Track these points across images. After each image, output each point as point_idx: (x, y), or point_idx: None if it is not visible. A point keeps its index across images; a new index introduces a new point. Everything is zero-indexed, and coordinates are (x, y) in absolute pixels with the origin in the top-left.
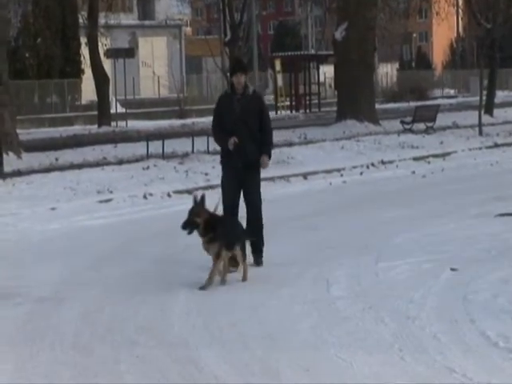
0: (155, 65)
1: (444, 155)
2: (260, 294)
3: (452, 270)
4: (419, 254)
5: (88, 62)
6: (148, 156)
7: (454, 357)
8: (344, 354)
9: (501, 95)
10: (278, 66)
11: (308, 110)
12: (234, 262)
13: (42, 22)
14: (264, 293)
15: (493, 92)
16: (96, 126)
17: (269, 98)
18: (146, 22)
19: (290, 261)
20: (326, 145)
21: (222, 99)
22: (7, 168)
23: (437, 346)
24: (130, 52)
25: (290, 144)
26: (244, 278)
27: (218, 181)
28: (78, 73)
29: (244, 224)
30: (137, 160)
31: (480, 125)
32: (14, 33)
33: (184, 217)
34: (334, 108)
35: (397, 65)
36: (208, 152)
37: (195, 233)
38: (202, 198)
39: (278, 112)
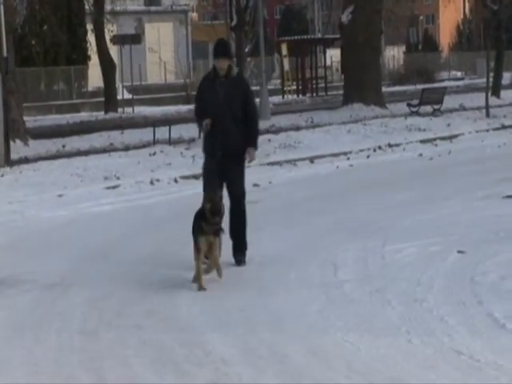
0: (162, 51)
1: (451, 137)
2: (267, 278)
3: (459, 252)
4: (426, 236)
5: (94, 48)
6: (155, 142)
7: (461, 339)
8: (351, 337)
9: (508, 77)
10: (284, 50)
11: (315, 94)
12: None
13: (48, 9)
14: (271, 277)
15: (500, 74)
16: (103, 112)
17: (275, 83)
18: (152, 8)
19: (297, 244)
20: (333, 128)
21: (204, 82)
22: (14, 155)
23: (444, 328)
24: (136, 38)
25: (297, 128)
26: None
27: None
28: (85, 59)
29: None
30: (144, 146)
31: (487, 107)
32: (20, 20)
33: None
34: (341, 92)
35: (403, 47)
36: None
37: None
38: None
39: (285, 96)
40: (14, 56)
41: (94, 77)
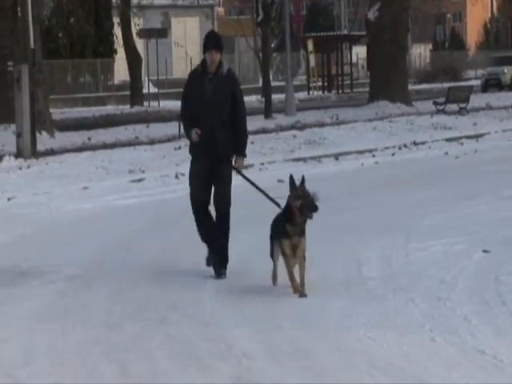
0: (187, 45)
1: (477, 136)
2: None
3: (484, 251)
4: (451, 235)
5: (121, 42)
6: (180, 136)
7: (484, 338)
8: (374, 334)
9: None
10: (310, 46)
11: (340, 91)
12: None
13: (76, 1)
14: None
15: None
16: (128, 105)
17: (301, 79)
18: (179, 2)
19: (321, 241)
20: (358, 125)
21: (191, 78)
22: (40, 147)
23: (468, 327)
24: (162, 32)
25: (322, 124)
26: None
27: (251, 161)
28: (111, 53)
29: None
30: (168, 140)
31: None
32: (47, 12)
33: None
34: (367, 89)
35: (430, 45)
36: None
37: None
38: (302, 179)
39: (311, 92)
40: (41, 48)
41: (120, 70)
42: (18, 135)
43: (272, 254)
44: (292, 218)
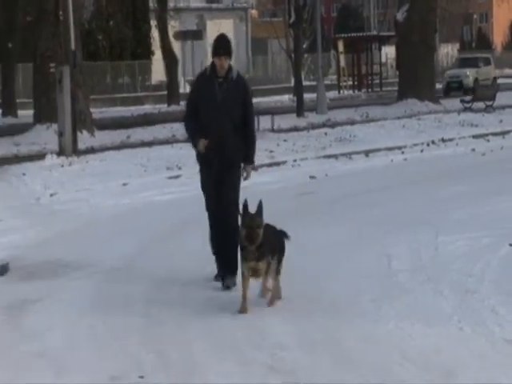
0: None
1: (503, 133)
2: (323, 267)
3: (510, 245)
4: (478, 229)
5: (158, 43)
6: None
7: None
8: (404, 326)
9: None
10: (340, 46)
11: (370, 90)
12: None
13: (115, 5)
14: (326, 266)
15: None
16: (165, 105)
17: (332, 78)
18: (214, 5)
19: (351, 235)
20: (388, 123)
21: (199, 82)
22: (81, 145)
23: (495, 318)
24: (197, 34)
25: (352, 122)
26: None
27: (284, 158)
28: (149, 54)
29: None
30: None
31: None
32: (87, 16)
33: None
34: (395, 87)
35: (457, 45)
36: (273, 130)
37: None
38: (260, 205)
39: (341, 91)
40: (81, 50)
41: (158, 71)
42: (60, 134)
43: None
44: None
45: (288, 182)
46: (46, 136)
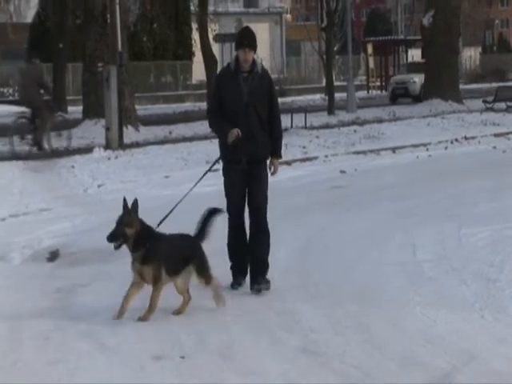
0: (258, 48)
1: None
2: (351, 256)
3: None
4: (500, 222)
5: (198, 45)
6: None
7: None
8: (428, 312)
9: None
10: (369, 49)
11: None
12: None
13: (158, 9)
14: (354, 255)
15: None
16: (205, 103)
17: (361, 79)
18: (251, 10)
19: (379, 226)
20: (413, 121)
21: (223, 77)
22: (127, 140)
23: None
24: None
25: (380, 120)
26: (218, 303)
27: (316, 153)
28: (190, 55)
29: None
30: None
31: None
32: (133, 19)
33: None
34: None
35: (479, 49)
36: (305, 127)
37: None
38: (135, 203)
39: (370, 91)
40: (127, 51)
41: (198, 71)
42: (107, 129)
43: None
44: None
45: (320, 176)
46: (94, 130)
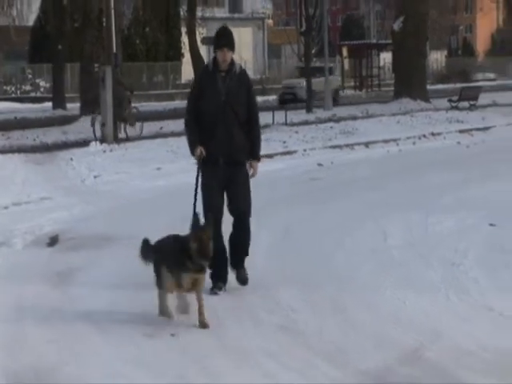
0: (242, 51)
1: (485, 129)
2: (327, 244)
3: (491, 225)
4: (463, 211)
5: (187, 47)
6: None
7: (492, 297)
8: (398, 294)
9: None
10: (344, 52)
11: (369, 90)
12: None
13: (150, 13)
14: (330, 243)
15: None
16: None
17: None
18: (236, 15)
19: (352, 215)
20: (385, 119)
21: (202, 77)
22: (121, 134)
23: (477, 288)
24: None
25: (354, 118)
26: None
27: (295, 147)
28: (179, 57)
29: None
30: None
31: None
32: (127, 23)
33: None
34: (392, 88)
35: (445, 52)
36: (286, 123)
37: None
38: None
39: (344, 91)
40: (121, 53)
41: (187, 71)
42: (103, 124)
43: (160, 284)
44: (191, 256)
45: (299, 169)
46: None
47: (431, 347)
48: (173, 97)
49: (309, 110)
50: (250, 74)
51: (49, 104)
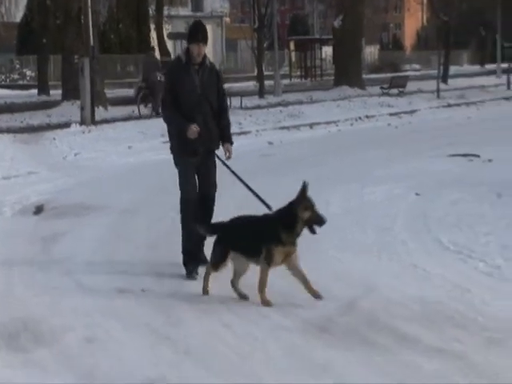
0: None
1: (411, 112)
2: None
3: (416, 194)
4: (392, 183)
5: (156, 41)
6: None
7: (417, 257)
8: (338, 255)
9: (453, 69)
10: (292, 46)
11: (313, 79)
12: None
13: (123, 11)
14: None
15: (447, 66)
16: None
17: (285, 69)
18: (198, 13)
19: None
20: (326, 104)
21: (175, 70)
22: (97, 117)
23: (405, 249)
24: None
25: (301, 102)
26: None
27: (249, 128)
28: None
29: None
30: None
31: (438, 90)
32: (103, 20)
33: None
34: (332, 77)
35: (378, 46)
36: (241, 108)
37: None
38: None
39: (292, 79)
40: (98, 46)
41: None
42: (82, 108)
43: (218, 262)
44: (291, 227)
45: (252, 147)
46: (71, 110)
47: (366, 300)
48: None
49: (261, 95)
50: None
51: (34, 91)
